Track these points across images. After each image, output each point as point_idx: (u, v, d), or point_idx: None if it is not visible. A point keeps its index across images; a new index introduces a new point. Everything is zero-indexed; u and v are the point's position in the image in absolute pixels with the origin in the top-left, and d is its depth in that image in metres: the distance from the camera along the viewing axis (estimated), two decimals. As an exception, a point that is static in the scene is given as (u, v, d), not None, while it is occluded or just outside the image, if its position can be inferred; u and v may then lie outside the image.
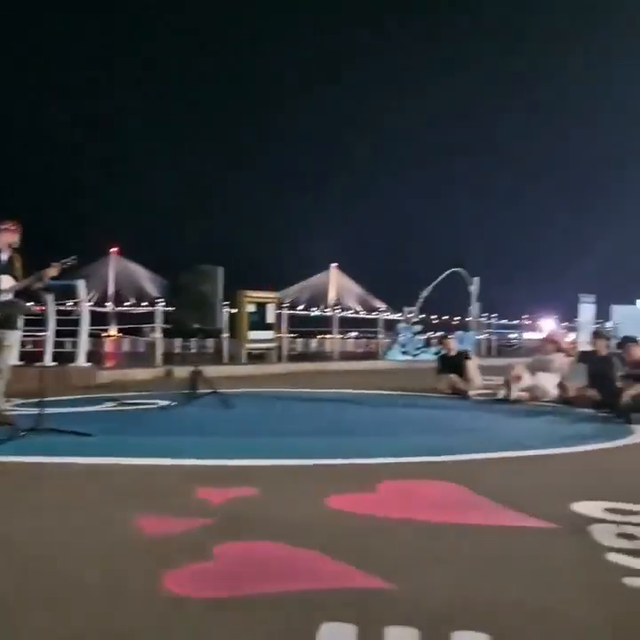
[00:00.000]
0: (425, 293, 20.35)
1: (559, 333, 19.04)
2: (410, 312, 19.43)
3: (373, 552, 2.76)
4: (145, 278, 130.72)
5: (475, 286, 20.24)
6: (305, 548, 2.80)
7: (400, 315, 19.87)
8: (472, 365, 9.88)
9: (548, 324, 22.82)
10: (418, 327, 19.30)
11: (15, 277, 6.07)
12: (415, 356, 18.81)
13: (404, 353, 18.75)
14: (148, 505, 3.51)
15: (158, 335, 13.67)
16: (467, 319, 20.77)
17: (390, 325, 20.09)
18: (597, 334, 9.53)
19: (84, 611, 2.18)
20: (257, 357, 16.19)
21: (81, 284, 11.96)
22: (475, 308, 20.32)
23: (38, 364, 9.90)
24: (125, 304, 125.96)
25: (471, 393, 9.50)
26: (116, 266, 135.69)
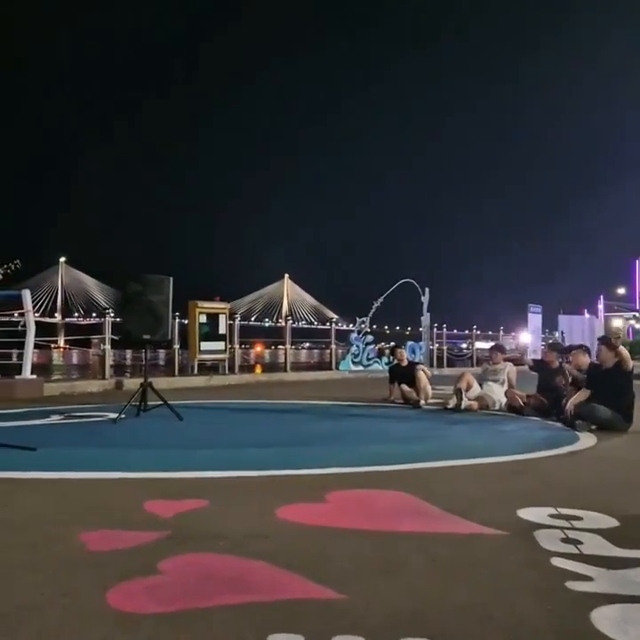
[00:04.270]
0: (377, 304, 20.49)
1: (528, 347, 19.40)
2: (362, 322, 19.55)
3: (323, 562, 2.76)
4: (94, 288, 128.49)
5: (426, 297, 20.50)
6: (254, 559, 2.78)
7: (352, 325, 19.97)
8: (423, 375, 9.99)
9: (523, 337, 23.26)
10: (370, 337, 19.43)
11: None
12: (367, 366, 18.93)
13: (356, 363, 18.85)
14: (93, 520, 3.43)
15: (107, 346, 13.44)
16: (418, 329, 21.00)
17: (343, 336, 20.18)
18: (551, 346, 9.78)
19: (32, 629, 2.12)
20: (209, 368, 16.07)
21: (26, 294, 11.69)
22: (426, 318, 20.57)
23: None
24: (74, 315, 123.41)
25: (422, 402, 9.60)
26: (64, 275, 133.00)
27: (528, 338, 21.86)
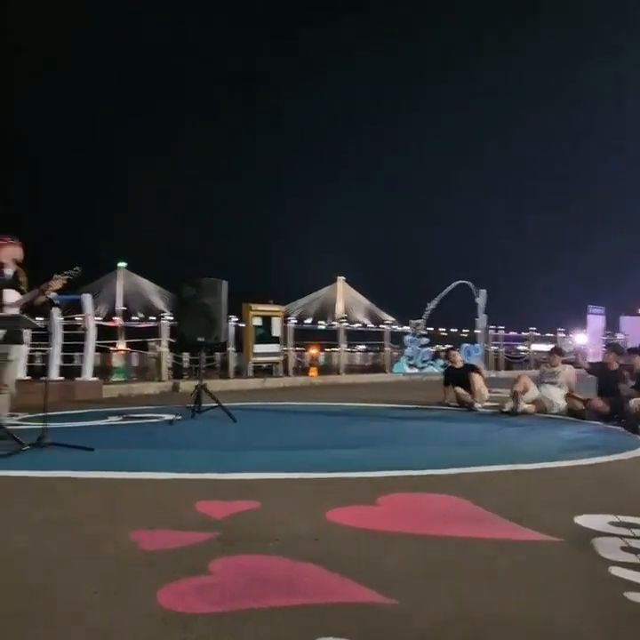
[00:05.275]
0: (432, 306, 20.29)
1: (587, 349, 18.97)
2: (417, 325, 19.38)
3: (373, 566, 2.73)
4: (152, 292, 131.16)
5: (481, 298, 20.19)
6: (305, 561, 2.77)
7: (407, 327, 19.82)
8: (478, 378, 9.83)
9: (579, 338, 22.71)
10: (425, 340, 19.24)
11: (21, 291, 6.09)
12: (422, 368, 18.75)
13: (410, 366, 18.70)
14: (146, 519, 3.48)
15: (164, 349, 13.68)
16: (474, 331, 20.70)
17: (397, 338, 20.04)
18: (610, 347, 9.50)
19: (83, 627, 2.16)
20: (263, 371, 16.18)
21: (87, 298, 12.02)
22: (482, 320, 20.26)
23: (44, 378, 9.93)
24: (133, 318, 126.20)
25: (477, 405, 9.45)
26: (124, 280, 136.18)
27: (583, 339, 21.28)
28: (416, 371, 18.63)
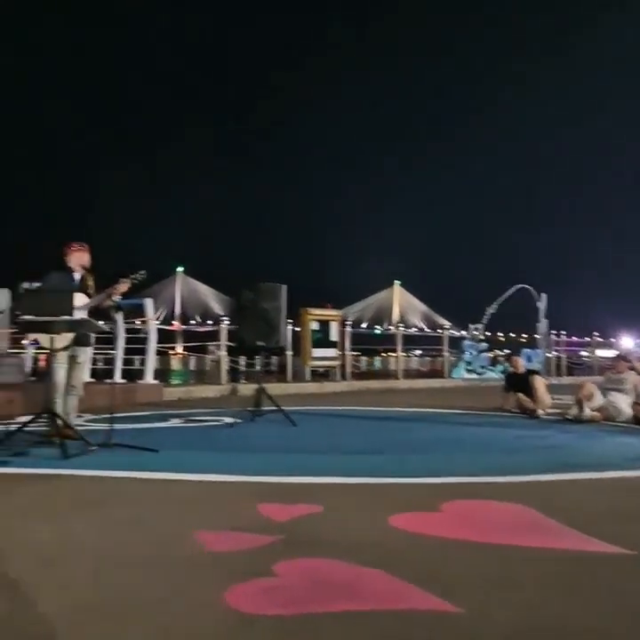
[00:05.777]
0: (491, 310, 19.99)
1: (635, 352, 18.43)
2: (475, 329, 19.12)
3: (437, 573, 2.70)
4: (210, 297, 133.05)
5: (542, 302, 19.79)
6: (369, 566, 2.76)
7: (465, 332, 19.57)
8: (540, 384, 9.62)
9: (626, 342, 22.08)
10: (484, 345, 18.97)
11: (88, 295, 6.28)
12: (481, 374, 18.49)
13: (469, 371, 18.47)
14: (211, 521, 3.53)
15: (223, 353, 13.86)
16: (534, 336, 20.30)
17: (455, 343, 19.82)
18: None
19: (153, 625, 2.20)
20: (321, 375, 16.23)
21: (149, 303, 12.28)
22: (543, 324, 19.85)
23: (108, 380, 10.18)
24: (191, 322, 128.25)
25: (539, 412, 9.25)
26: (182, 285, 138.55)
27: (630, 343, 20.59)
28: (475, 376, 18.39)
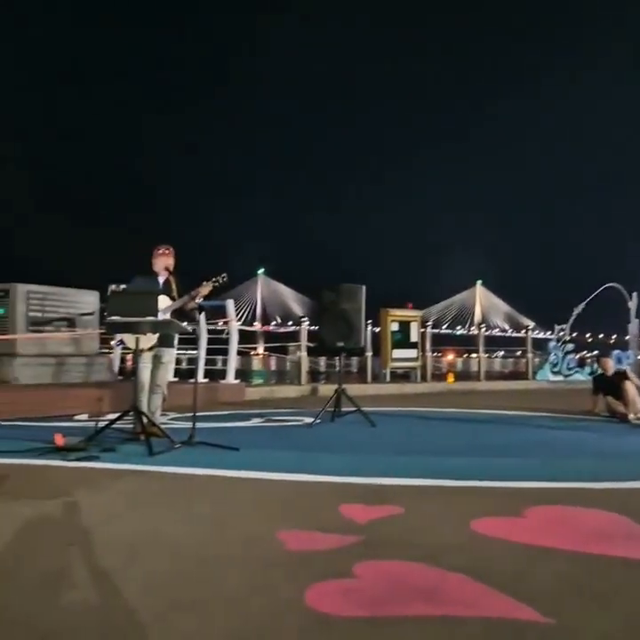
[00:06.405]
0: (578, 310, 19.31)
1: None
2: (561, 330, 18.52)
3: (524, 581, 2.60)
4: (290, 298, 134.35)
5: (633, 302, 18.96)
6: (451, 571, 2.70)
7: (550, 333, 18.98)
8: (632, 387, 9.20)
9: None
10: (570, 346, 18.35)
11: (172, 298, 6.45)
12: (567, 376, 17.90)
13: (555, 373, 17.90)
14: (291, 520, 3.54)
15: (303, 354, 13.95)
16: (625, 337, 19.48)
17: (539, 344, 19.26)
18: None
19: (235, 620, 2.22)
20: (401, 376, 16.10)
21: (230, 304, 12.53)
22: (634, 325, 19.02)
23: (191, 380, 10.43)
24: (272, 323, 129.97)
25: (631, 416, 8.85)
26: (263, 286, 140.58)
27: None
28: (560, 378, 17.82)
